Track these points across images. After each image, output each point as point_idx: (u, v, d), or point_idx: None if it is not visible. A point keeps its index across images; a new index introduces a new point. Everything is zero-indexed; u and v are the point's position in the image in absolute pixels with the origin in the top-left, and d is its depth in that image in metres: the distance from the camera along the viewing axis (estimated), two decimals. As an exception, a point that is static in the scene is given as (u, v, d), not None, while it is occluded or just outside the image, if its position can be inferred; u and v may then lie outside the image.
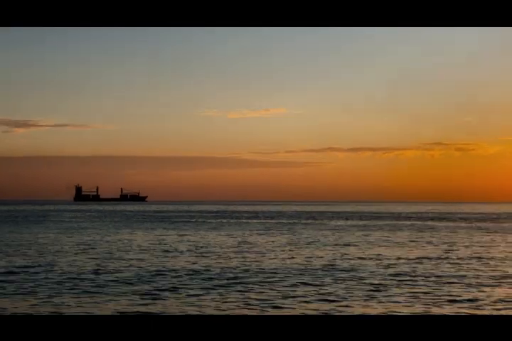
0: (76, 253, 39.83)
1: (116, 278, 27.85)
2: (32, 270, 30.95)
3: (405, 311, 20.40)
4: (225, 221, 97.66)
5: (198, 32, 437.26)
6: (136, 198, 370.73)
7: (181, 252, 41.13)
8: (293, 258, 37.39)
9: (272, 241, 51.56)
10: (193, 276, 28.80)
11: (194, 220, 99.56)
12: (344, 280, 27.54)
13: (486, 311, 20.62)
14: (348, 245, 47.69)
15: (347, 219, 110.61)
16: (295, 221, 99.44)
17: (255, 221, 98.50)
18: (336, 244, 48.33)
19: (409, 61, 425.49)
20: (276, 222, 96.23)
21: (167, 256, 38.21)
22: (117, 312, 20.03)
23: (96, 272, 30.19)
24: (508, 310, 20.84)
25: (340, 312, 20.15)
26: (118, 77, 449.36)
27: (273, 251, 42.52)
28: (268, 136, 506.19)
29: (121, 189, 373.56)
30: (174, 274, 29.47)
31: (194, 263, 34.21)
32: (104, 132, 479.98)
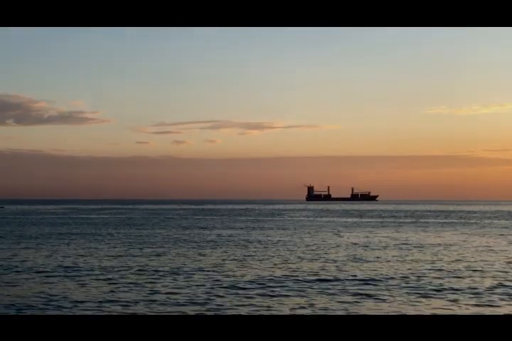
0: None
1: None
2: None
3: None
4: None
5: (419, 33, 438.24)
6: (367, 197, 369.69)
7: None
8: None
9: None
10: None
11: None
12: None
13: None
14: None
15: None
16: None
17: None
18: None
19: None
20: None
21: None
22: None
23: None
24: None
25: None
26: (350, 76, 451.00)
27: None
28: (505, 131, 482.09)
29: (352, 188, 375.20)
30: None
31: None
32: (334, 132, 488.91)
